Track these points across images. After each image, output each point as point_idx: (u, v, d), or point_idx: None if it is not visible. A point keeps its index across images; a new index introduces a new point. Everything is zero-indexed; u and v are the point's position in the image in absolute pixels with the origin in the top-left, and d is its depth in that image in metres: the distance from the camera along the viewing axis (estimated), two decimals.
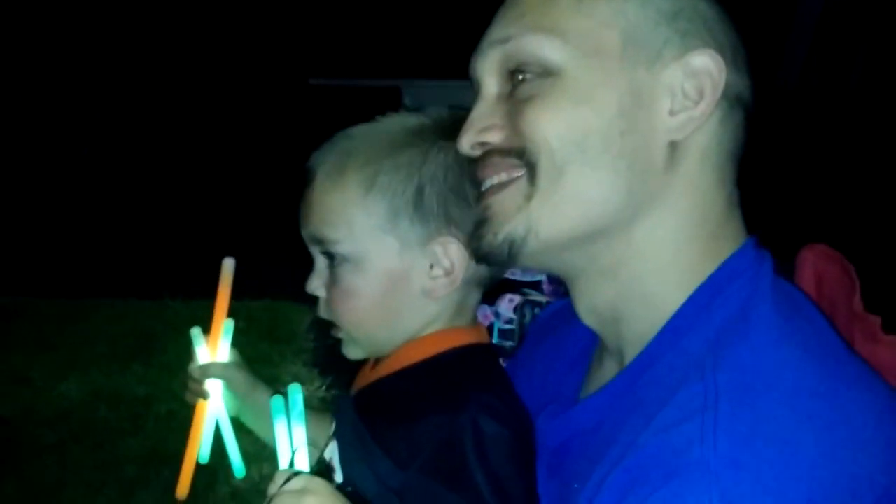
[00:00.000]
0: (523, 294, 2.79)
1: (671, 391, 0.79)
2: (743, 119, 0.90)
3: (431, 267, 1.05)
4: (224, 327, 1.26)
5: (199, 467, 4.31)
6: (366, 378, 1.13)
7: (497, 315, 2.83)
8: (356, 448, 1.05)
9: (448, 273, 1.05)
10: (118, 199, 8.55)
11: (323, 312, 1.10)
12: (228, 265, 1.25)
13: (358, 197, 1.04)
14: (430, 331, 1.08)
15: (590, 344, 1.04)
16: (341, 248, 1.04)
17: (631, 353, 0.90)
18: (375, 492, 0.99)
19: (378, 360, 1.14)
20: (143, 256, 7.61)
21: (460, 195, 1.02)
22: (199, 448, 1.24)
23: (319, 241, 1.06)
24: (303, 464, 0.98)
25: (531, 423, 1.04)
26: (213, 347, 1.27)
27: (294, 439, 0.98)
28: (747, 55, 0.91)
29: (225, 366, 1.28)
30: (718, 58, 0.86)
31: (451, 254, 1.05)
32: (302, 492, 0.90)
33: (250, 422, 1.37)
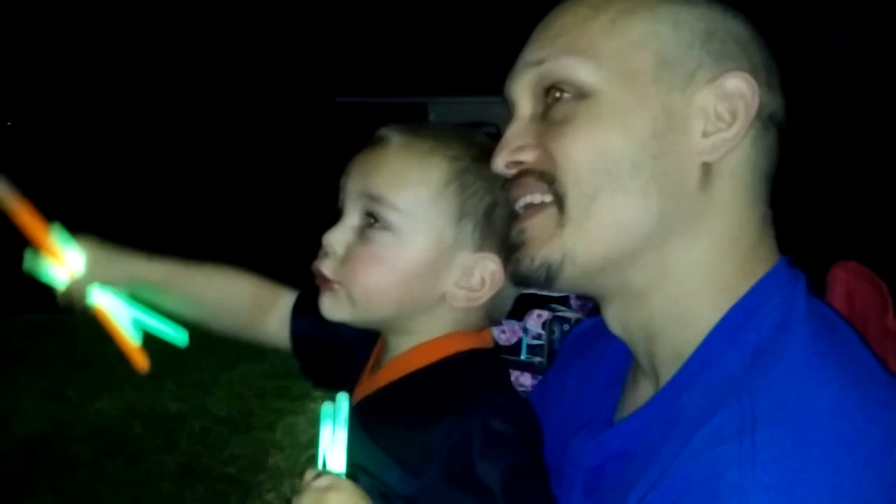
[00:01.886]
0: (551, 309, 2.79)
1: (707, 413, 0.78)
2: (776, 138, 0.90)
3: (461, 277, 1.06)
4: (55, 237, 1.17)
5: (233, 481, 4.29)
6: (366, 386, 1.12)
7: (525, 331, 2.83)
8: (364, 460, 1.04)
9: (472, 290, 1.06)
10: (150, 217, 8.67)
11: (327, 269, 1.07)
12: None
13: (438, 183, 1.04)
14: (430, 335, 1.08)
15: (624, 363, 1.04)
16: (394, 217, 1.03)
17: (666, 374, 0.90)
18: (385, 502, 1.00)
19: (376, 368, 1.13)
20: None
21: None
22: (127, 336, 1.21)
23: (375, 199, 1.04)
24: (338, 465, 0.97)
25: (538, 424, 1.05)
26: (60, 261, 1.18)
27: (334, 441, 0.98)
28: (780, 73, 0.92)
29: (88, 274, 1.19)
30: (752, 80, 0.84)
31: (487, 273, 1.05)
32: (326, 489, 0.92)
33: (151, 296, 1.27)
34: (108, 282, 1.21)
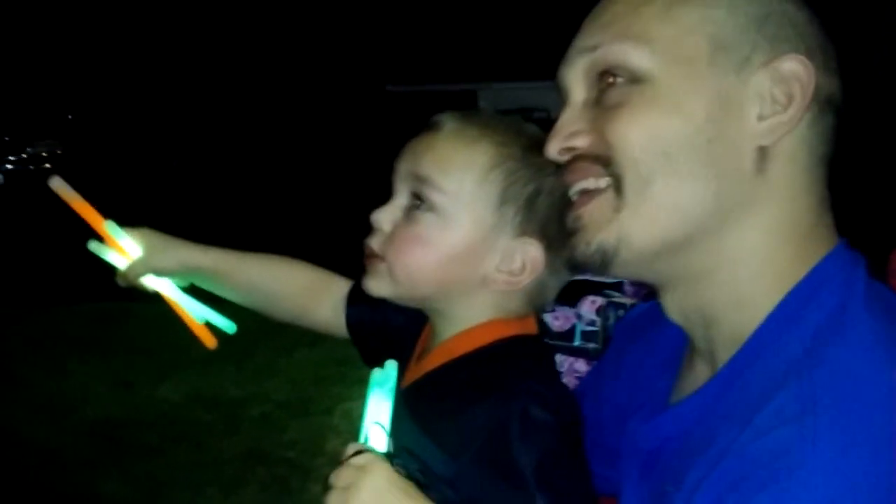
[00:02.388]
0: (605, 295, 2.77)
1: (767, 395, 0.78)
2: (833, 120, 0.89)
3: (502, 261, 1.07)
4: (111, 229, 1.24)
5: (292, 465, 4.36)
6: (414, 372, 1.14)
7: (579, 317, 2.82)
8: (409, 445, 1.06)
9: (512, 274, 1.07)
10: (207, 207, 8.84)
11: (374, 244, 1.10)
12: (57, 183, 1.22)
13: (483, 167, 1.06)
14: (473, 320, 1.09)
15: (680, 347, 1.04)
16: (440, 199, 1.05)
17: (723, 357, 0.89)
18: (429, 485, 0.99)
19: (423, 355, 1.15)
20: None
21: (563, 215, 1.02)
22: (190, 309, 1.27)
23: (422, 180, 1.06)
24: (378, 440, 0.98)
25: (579, 412, 1.06)
26: (119, 249, 1.24)
27: (377, 414, 0.99)
28: (837, 55, 0.91)
29: (143, 261, 1.25)
30: (807, 62, 0.83)
31: (528, 258, 1.07)
32: (361, 469, 0.93)
33: (206, 284, 1.34)
34: (164, 269, 1.27)
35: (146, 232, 1.28)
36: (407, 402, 1.08)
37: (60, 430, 4.96)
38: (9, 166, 19.15)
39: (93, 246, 1.23)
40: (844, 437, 0.72)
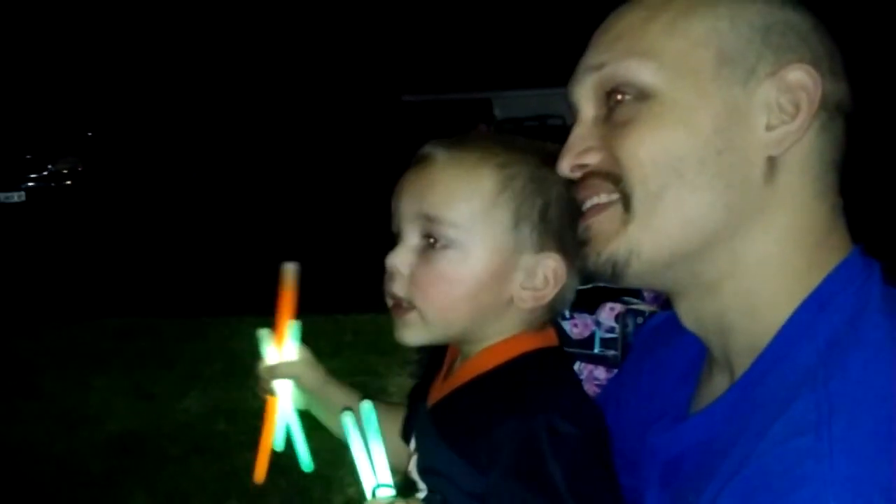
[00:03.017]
0: (624, 303, 2.76)
1: (784, 404, 0.78)
2: (843, 126, 0.89)
3: (526, 278, 1.07)
4: (290, 328, 1.29)
5: (314, 476, 4.36)
6: (439, 391, 1.15)
7: (598, 324, 2.81)
8: (435, 462, 1.07)
9: (537, 289, 1.07)
10: (229, 223, 8.91)
11: (397, 289, 1.08)
12: (290, 269, 1.28)
13: (490, 193, 1.05)
14: (500, 337, 1.10)
15: (698, 356, 1.04)
16: (453, 233, 1.05)
17: (740, 366, 0.89)
18: (458, 502, 1.01)
19: (449, 373, 1.16)
20: (255, 275, 7.91)
21: (574, 220, 1.03)
22: (273, 439, 1.30)
23: (432, 220, 1.06)
24: (386, 481, 0.97)
25: (604, 423, 1.06)
26: (280, 348, 1.30)
27: (374, 458, 0.98)
28: (845, 58, 0.90)
29: (292, 364, 1.30)
30: (813, 71, 0.83)
31: (549, 272, 1.07)
32: None
33: (322, 416, 1.38)
34: (303, 381, 1.31)
35: (306, 349, 1.33)
36: (434, 421, 1.09)
37: (82, 443, 5.02)
38: (30, 184, 19.44)
39: (262, 333, 1.30)
40: (860, 446, 0.71)
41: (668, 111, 0.86)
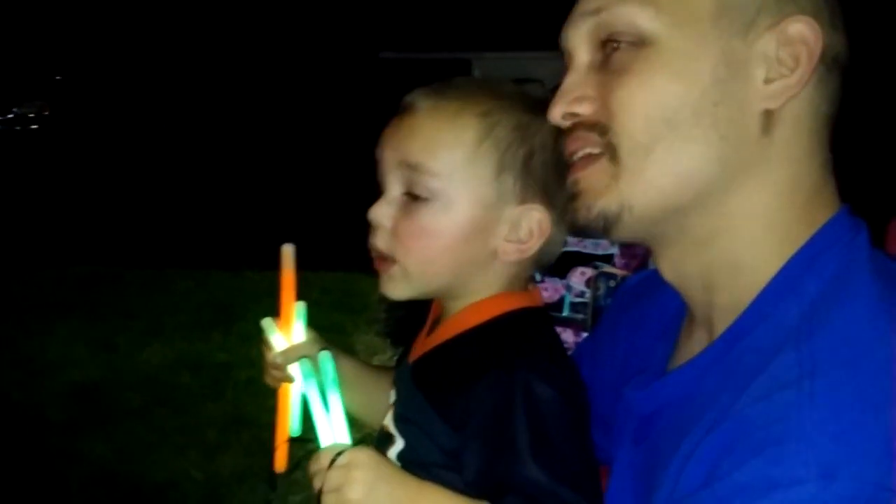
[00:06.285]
0: (595, 267, 2.77)
1: (765, 360, 0.77)
2: (838, 80, 0.87)
3: (510, 231, 1.06)
4: (295, 310, 1.27)
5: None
6: (422, 346, 1.13)
7: (568, 288, 2.82)
8: (414, 414, 1.06)
9: (521, 242, 1.06)
10: (198, 175, 8.80)
11: (380, 242, 1.07)
12: (288, 251, 1.27)
13: (472, 142, 1.03)
14: (484, 294, 1.08)
15: (678, 314, 1.03)
16: (435, 183, 1.03)
17: (722, 323, 0.88)
18: (436, 459, 1.00)
19: (433, 328, 1.14)
20: (222, 229, 7.85)
21: (560, 170, 1.01)
22: (290, 423, 1.28)
23: (413, 169, 1.04)
24: (342, 436, 0.95)
25: (584, 386, 1.06)
26: (287, 332, 1.28)
27: (331, 410, 0.96)
28: (843, 10, 0.88)
29: (302, 346, 1.26)
30: (814, 24, 0.82)
31: (534, 223, 1.05)
32: (349, 466, 0.91)
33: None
34: (312, 364, 1.27)
35: (312, 330, 1.29)
36: (414, 376, 1.08)
37: (43, 392, 4.97)
38: None
39: (265, 322, 1.26)
40: (843, 401, 0.71)
41: (665, 59, 0.83)
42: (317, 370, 0.99)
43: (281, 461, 1.24)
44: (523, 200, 1.04)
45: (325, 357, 0.98)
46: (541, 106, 0.99)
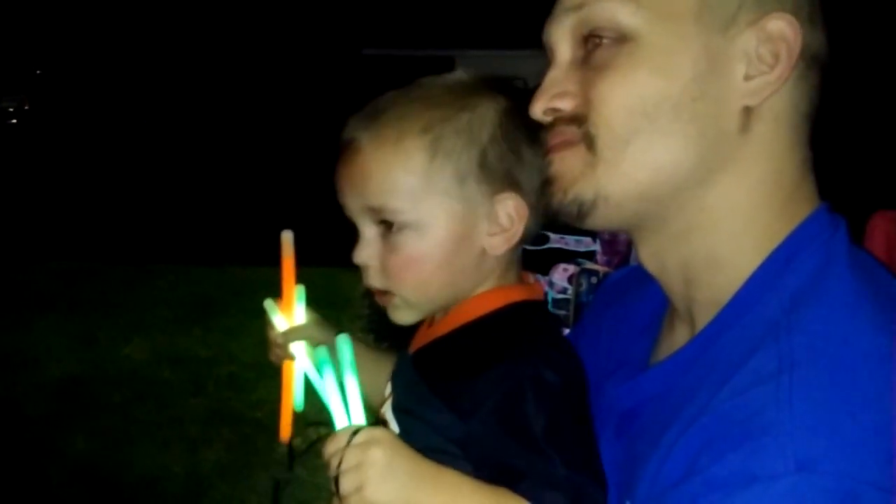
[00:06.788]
0: (578, 264, 2.78)
1: (745, 355, 0.78)
2: (819, 77, 0.87)
3: (490, 225, 1.05)
4: (296, 293, 1.31)
5: (259, 425, 4.37)
6: (423, 338, 1.14)
7: (551, 284, 2.83)
8: (413, 404, 1.07)
9: (505, 230, 1.06)
10: (180, 169, 8.73)
11: (374, 281, 1.08)
12: (287, 237, 1.30)
13: (422, 165, 1.03)
14: (484, 287, 1.09)
15: (660, 309, 1.04)
16: (404, 217, 1.03)
17: (703, 318, 0.88)
18: (432, 445, 1.00)
19: (434, 320, 1.14)
20: (204, 224, 7.80)
21: (517, 153, 1.01)
22: (294, 399, 1.33)
23: (378, 211, 1.04)
24: (358, 417, 0.95)
25: (585, 375, 1.05)
26: (289, 314, 1.32)
27: (347, 392, 0.96)
28: (822, 8, 0.88)
29: (303, 328, 1.30)
30: (794, 21, 0.82)
31: (511, 210, 1.05)
32: (367, 444, 0.91)
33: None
34: (316, 342, 1.29)
35: (313, 312, 1.33)
36: (417, 366, 1.09)
37: (23, 386, 4.93)
38: None
39: (267, 303, 1.32)
40: (822, 396, 0.71)
41: (646, 55, 0.84)
42: (334, 353, 0.99)
43: (285, 431, 1.29)
44: (492, 195, 1.05)
45: (344, 340, 0.98)
46: (473, 93, 1.02)
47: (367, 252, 1.07)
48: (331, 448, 0.92)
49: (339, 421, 0.95)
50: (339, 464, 0.90)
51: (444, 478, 0.93)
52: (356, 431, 0.92)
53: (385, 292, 1.08)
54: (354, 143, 1.06)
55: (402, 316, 1.10)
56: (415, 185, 1.03)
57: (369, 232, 1.07)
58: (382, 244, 1.06)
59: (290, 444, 1.32)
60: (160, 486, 3.90)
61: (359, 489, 0.89)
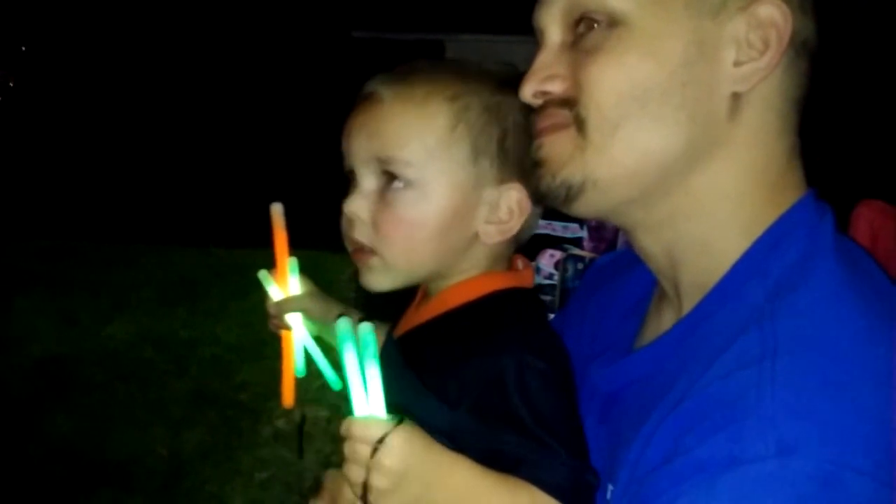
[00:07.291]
0: (564, 249, 2.79)
1: (730, 340, 0.79)
2: (808, 65, 0.88)
3: (490, 213, 1.05)
4: (289, 265, 1.34)
5: (243, 407, 4.36)
6: (409, 322, 1.13)
7: (537, 270, 2.83)
8: (401, 391, 1.02)
9: (503, 222, 1.06)
10: (166, 150, 8.67)
11: (360, 235, 1.05)
12: (277, 209, 1.31)
13: (443, 128, 1.02)
14: (469, 273, 1.08)
15: (647, 293, 1.05)
16: (411, 173, 1.01)
17: (689, 302, 0.89)
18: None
19: (420, 305, 1.15)
20: (188, 205, 7.75)
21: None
22: (295, 364, 1.37)
23: (387, 161, 1.02)
24: (378, 407, 0.90)
25: (570, 361, 1.06)
26: (283, 285, 1.34)
27: (368, 382, 0.90)
28: None
29: (298, 298, 1.33)
30: (784, 7, 0.83)
31: (513, 203, 1.05)
32: (387, 436, 0.87)
33: (332, 339, 1.40)
34: (311, 312, 1.34)
35: (308, 281, 1.36)
36: (401, 352, 1.07)
37: (4, 367, 4.88)
38: None
39: (261, 274, 1.34)
40: (804, 381, 0.72)
41: (636, 39, 0.84)
42: (357, 339, 0.92)
43: (288, 398, 1.33)
44: (501, 181, 1.04)
45: (367, 329, 0.92)
46: (509, 84, 0.99)
47: (361, 203, 1.05)
48: (357, 433, 0.88)
49: (358, 410, 0.90)
50: (367, 456, 0.87)
51: (458, 466, 0.91)
52: (376, 423, 0.88)
53: (365, 250, 1.06)
54: (376, 94, 1.05)
55: (376, 280, 1.07)
56: (430, 145, 1.02)
57: (368, 184, 1.05)
58: (378, 199, 1.04)
59: (302, 414, 1.38)
60: (142, 466, 3.89)
61: (387, 491, 0.87)
